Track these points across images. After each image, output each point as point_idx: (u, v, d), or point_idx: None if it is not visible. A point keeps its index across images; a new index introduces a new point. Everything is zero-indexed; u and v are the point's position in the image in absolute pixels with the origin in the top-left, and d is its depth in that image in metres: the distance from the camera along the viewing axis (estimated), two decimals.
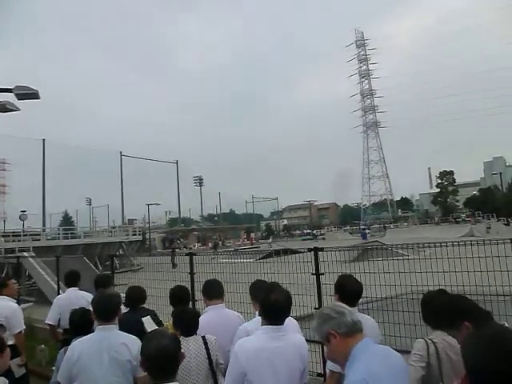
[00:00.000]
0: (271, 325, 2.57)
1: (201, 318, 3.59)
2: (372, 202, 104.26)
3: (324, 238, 61.57)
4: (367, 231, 53.91)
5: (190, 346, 3.17)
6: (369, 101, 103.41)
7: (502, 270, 4.07)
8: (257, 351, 2.51)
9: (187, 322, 3.27)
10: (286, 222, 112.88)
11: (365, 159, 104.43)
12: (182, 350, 3.12)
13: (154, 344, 2.04)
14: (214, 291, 3.82)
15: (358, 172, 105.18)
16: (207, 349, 3.16)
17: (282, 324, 2.60)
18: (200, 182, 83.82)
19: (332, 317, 2.00)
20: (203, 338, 3.22)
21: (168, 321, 4.32)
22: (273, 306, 2.57)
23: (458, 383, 2.33)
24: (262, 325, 2.63)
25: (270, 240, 57.44)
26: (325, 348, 2.12)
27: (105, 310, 2.97)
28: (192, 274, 6.23)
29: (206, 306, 3.81)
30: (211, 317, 3.62)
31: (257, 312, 3.31)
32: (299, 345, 2.60)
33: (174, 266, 15.55)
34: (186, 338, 3.22)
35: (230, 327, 3.35)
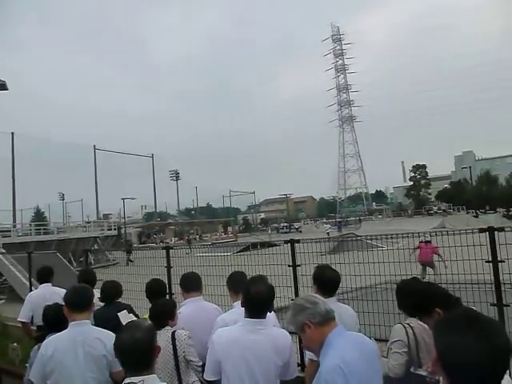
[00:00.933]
0: (251, 318, 2.58)
1: (179, 311, 3.57)
2: (347, 195, 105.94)
3: (301, 231, 62.14)
4: (327, 226, 50.93)
5: (160, 339, 3.17)
6: (344, 95, 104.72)
7: (470, 258, 4.22)
8: (230, 342, 2.52)
9: (157, 314, 3.26)
10: (263, 215, 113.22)
11: (340, 153, 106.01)
12: None
13: (127, 337, 2.00)
14: (191, 284, 3.81)
15: (334, 165, 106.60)
16: (174, 345, 3.15)
17: (263, 317, 2.59)
18: (176, 175, 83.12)
19: (306, 307, 2.02)
20: (173, 333, 3.21)
21: (145, 314, 4.30)
22: (254, 298, 2.57)
23: (428, 366, 2.42)
24: (244, 317, 2.64)
25: (270, 232, 54.69)
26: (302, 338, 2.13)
27: (78, 302, 2.93)
28: (169, 267, 6.18)
29: (184, 299, 3.80)
30: (190, 309, 3.61)
31: (234, 303, 3.32)
32: (277, 339, 2.57)
33: (128, 262, 15.35)
34: (157, 332, 3.22)
35: (209, 320, 3.35)
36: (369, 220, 70.16)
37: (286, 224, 78.59)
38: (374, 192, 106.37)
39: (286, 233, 63.44)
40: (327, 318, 2.00)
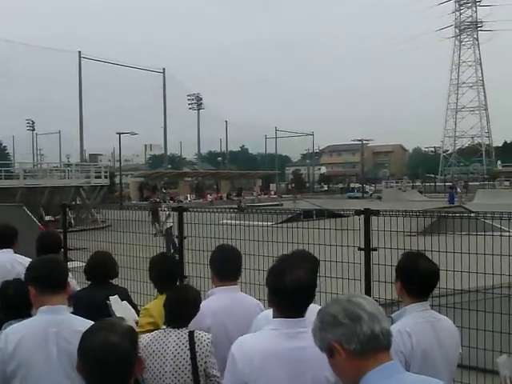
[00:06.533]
0: (285, 317, 2.61)
1: (203, 305, 3.68)
2: (458, 148, 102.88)
3: (380, 197, 61.61)
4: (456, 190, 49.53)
5: (170, 342, 3.29)
6: None
7: None
8: (264, 355, 2.55)
9: (172, 306, 3.37)
10: (324, 169, 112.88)
11: (452, 79, 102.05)
12: (158, 347, 3.25)
13: (98, 339, 2.03)
14: (229, 267, 3.82)
15: (440, 99, 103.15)
16: (192, 350, 3.25)
17: (302, 316, 2.62)
18: (198, 103, 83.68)
19: (339, 322, 1.86)
20: (191, 334, 3.31)
21: (145, 303, 4.47)
22: (287, 289, 2.59)
23: None
24: (273, 317, 2.68)
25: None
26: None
27: (50, 279, 3.02)
28: (182, 238, 6.34)
29: (214, 287, 3.88)
30: (221, 302, 3.68)
31: None
32: None
33: (157, 233, 16.05)
34: (168, 330, 3.35)
35: (248, 319, 3.40)
36: (489, 187, 68.19)
37: (358, 185, 77.96)
38: (500, 145, 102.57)
39: (357, 198, 63.12)
40: (372, 347, 1.83)
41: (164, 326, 3.43)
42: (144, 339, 3.35)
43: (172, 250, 14.95)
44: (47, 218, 15.79)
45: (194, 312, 3.44)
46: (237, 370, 2.57)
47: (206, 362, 3.27)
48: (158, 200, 32.10)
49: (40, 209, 25.92)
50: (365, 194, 70.46)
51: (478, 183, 69.53)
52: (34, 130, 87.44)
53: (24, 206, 17.08)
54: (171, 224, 14.21)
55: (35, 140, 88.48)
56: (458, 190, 57.89)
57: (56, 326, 2.94)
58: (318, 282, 4.79)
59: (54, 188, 29.70)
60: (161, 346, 3.29)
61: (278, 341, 2.56)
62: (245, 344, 2.65)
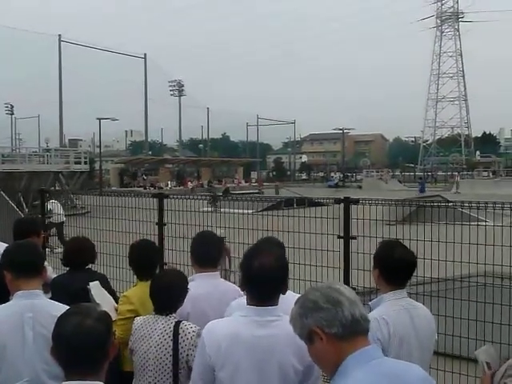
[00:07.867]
0: (256, 305, 2.62)
1: None
2: (437, 138, 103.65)
3: (360, 187, 61.97)
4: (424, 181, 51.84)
5: (156, 330, 3.28)
6: None
7: None
8: (232, 341, 2.56)
9: (160, 293, 3.35)
10: (305, 158, 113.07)
11: (433, 69, 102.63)
12: (146, 332, 3.25)
13: (72, 323, 2.05)
14: (209, 254, 3.83)
15: (422, 90, 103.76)
16: (175, 341, 3.22)
17: (274, 304, 2.63)
18: (179, 89, 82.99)
19: (320, 307, 1.89)
20: (177, 324, 3.28)
21: (125, 290, 4.45)
22: (257, 276, 2.59)
23: None
24: (247, 304, 2.69)
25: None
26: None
27: (25, 264, 3.01)
28: (161, 224, 6.31)
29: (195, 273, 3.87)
30: (200, 288, 3.66)
31: None
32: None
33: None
34: (157, 317, 3.33)
35: (226, 305, 3.37)
36: (467, 177, 68.99)
37: (339, 174, 78.31)
38: (479, 135, 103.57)
39: (337, 187, 63.45)
40: (352, 331, 1.86)
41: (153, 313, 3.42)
42: (137, 321, 3.40)
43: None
44: None
45: (180, 295, 3.42)
46: (205, 354, 2.59)
47: (187, 355, 3.21)
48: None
49: (18, 194, 25.66)
50: (345, 184, 70.89)
51: (456, 173, 70.30)
52: (12, 114, 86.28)
53: (2, 191, 16.90)
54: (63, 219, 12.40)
55: (14, 124, 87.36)
56: (457, 179, 58.38)
57: (32, 311, 2.93)
58: (298, 269, 4.91)
59: (32, 173, 29.38)
60: (148, 332, 3.30)
61: (247, 328, 2.58)
62: (214, 329, 2.66)
